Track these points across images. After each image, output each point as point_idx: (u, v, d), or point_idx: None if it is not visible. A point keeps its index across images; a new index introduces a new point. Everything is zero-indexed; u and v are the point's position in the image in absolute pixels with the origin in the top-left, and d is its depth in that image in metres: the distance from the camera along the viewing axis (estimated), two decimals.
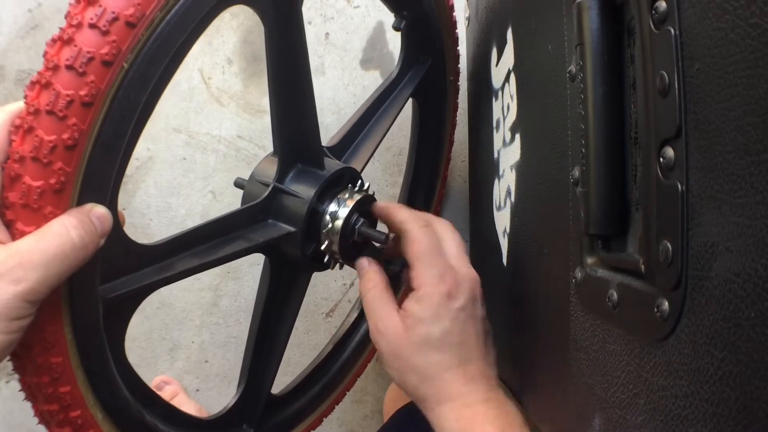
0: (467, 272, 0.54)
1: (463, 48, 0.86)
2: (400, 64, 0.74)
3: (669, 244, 0.31)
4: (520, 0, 0.58)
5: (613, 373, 0.38)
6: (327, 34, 0.99)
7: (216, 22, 0.54)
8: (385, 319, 0.53)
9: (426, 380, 0.50)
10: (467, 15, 0.87)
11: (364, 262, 0.59)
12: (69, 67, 0.38)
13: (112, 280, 0.46)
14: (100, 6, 0.39)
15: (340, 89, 1.00)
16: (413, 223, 0.55)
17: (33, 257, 0.37)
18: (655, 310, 0.32)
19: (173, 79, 0.45)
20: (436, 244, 0.54)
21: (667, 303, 0.31)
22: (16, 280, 0.36)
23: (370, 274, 0.57)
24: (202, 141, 0.97)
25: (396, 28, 0.73)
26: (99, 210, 0.41)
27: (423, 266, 0.52)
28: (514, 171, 0.61)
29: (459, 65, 0.81)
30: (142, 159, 0.95)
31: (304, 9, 0.58)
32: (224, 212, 0.55)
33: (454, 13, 0.76)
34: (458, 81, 0.82)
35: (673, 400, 0.31)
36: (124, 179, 0.44)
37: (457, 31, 0.77)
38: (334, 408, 0.76)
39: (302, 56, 0.57)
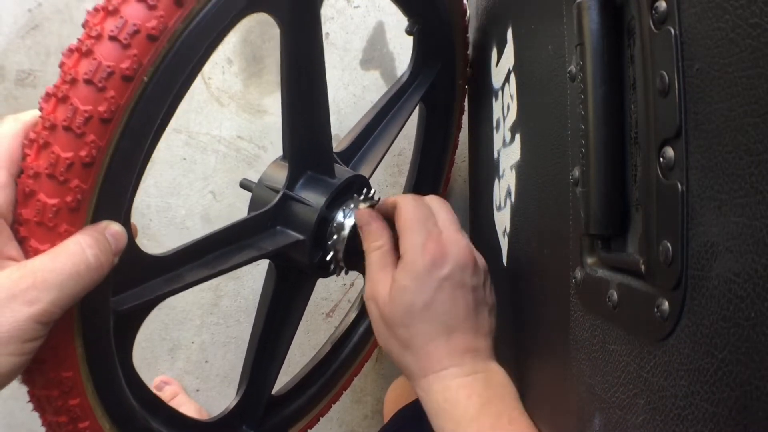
0: (457, 239, 0.52)
1: None
2: (411, 68, 0.73)
3: (669, 244, 0.31)
4: (520, 0, 0.58)
5: (613, 373, 0.38)
6: (327, 34, 0.99)
7: None
8: (379, 284, 0.51)
9: (408, 350, 0.49)
10: (467, 15, 0.87)
11: (365, 215, 0.56)
12: (88, 81, 0.37)
13: (123, 292, 0.45)
14: (121, 17, 0.37)
15: (340, 89, 1.00)
16: (404, 198, 0.54)
17: (47, 278, 0.36)
18: (655, 310, 0.32)
19: None
20: (425, 213, 0.53)
21: (667, 303, 0.31)
22: (29, 302, 0.35)
23: (376, 231, 0.55)
24: (202, 141, 0.97)
25: (409, 32, 0.71)
26: (114, 228, 0.40)
27: (408, 234, 0.51)
28: (514, 171, 0.61)
29: (468, 69, 0.81)
30: None
31: None
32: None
33: (467, 17, 0.75)
34: (466, 84, 0.82)
35: (673, 400, 0.31)
36: None
37: (468, 35, 0.76)
38: (331, 407, 0.76)
39: (319, 62, 0.56)
